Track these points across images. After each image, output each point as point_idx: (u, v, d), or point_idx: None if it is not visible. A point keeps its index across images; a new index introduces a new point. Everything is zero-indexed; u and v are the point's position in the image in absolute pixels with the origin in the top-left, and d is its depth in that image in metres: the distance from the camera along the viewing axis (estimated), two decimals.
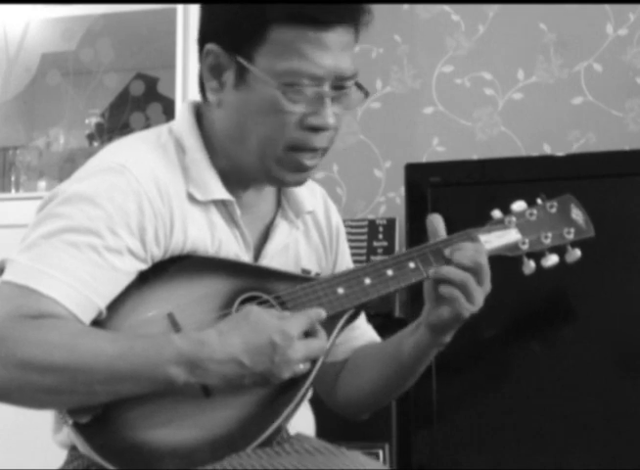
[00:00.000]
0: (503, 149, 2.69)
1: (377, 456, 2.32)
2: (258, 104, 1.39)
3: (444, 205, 2.31)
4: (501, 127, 2.73)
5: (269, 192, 1.55)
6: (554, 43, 2.72)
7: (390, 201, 2.78)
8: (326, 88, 1.39)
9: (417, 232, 2.32)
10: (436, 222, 1.49)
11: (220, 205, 1.46)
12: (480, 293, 1.44)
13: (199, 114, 1.50)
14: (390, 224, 2.63)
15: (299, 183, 1.48)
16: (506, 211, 1.55)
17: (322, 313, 1.39)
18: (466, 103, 2.76)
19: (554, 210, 1.56)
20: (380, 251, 2.59)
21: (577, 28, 2.71)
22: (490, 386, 2.25)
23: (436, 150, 2.75)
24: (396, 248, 2.59)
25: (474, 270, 1.43)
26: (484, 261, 1.44)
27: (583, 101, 2.68)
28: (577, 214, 1.57)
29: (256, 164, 1.43)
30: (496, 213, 1.55)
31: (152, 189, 1.38)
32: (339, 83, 1.41)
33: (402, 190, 2.53)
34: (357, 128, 2.82)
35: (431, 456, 2.23)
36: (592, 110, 2.67)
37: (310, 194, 1.61)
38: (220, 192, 1.45)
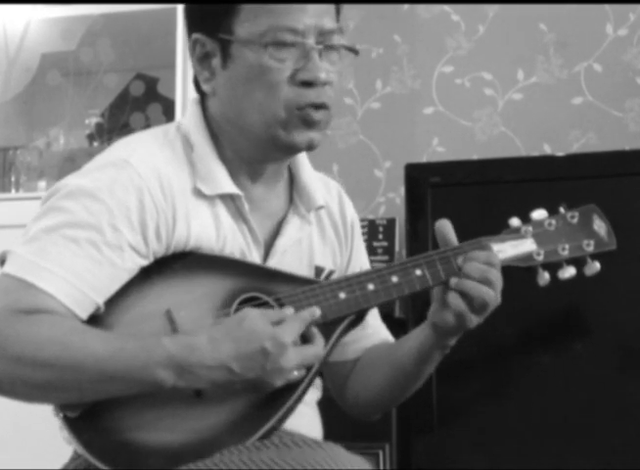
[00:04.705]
0: (503, 149, 2.68)
1: (377, 457, 2.32)
2: (247, 73, 1.39)
3: (444, 205, 2.30)
4: (501, 127, 2.72)
5: (281, 188, 1.53)
6: (554, 43, 2.72)
7: (390, 201, 2.78)
8: (310, 41, 1.39)
9: (417, 232, 2.32)
10: (445, 228, 1.45)
11: (228, 199, 1.45)
12: (489, 306, 1.41)
13: (204, 110, 1.49)
14: (390, 224, 2.63)
15: (311, 144, 1.42)
16: (526, 219, 1.49)
17: (316, 312, 1.37)
18: (466, 103, 2.76)
19: (575, 220, 1.50)
20: (380, 251, 2.58)
21: (577, 28, 2.70)
22: (491, 387, 2.25)
23: (436, 150, 2.75)
24: (396, 248, 2.59)
25: (485, 284, 1.39)
26: (497, 276, 1.41)
27: (583, 101, 2.68)
28: (600, 226, 1.51)
29: (263, 136, 1.41)
30: (514, 222, 1.49)
31: (154, 184, 1.38)
32: (323, 38, 1.40)
33: (402, 190, 2.53)
34: (357, 128, 2.82)
35: (430, 457, 2.23)
36: (592, 110, 2.67)
37: (325, 189, 1.59)
38: (228, 186, 1.43)
